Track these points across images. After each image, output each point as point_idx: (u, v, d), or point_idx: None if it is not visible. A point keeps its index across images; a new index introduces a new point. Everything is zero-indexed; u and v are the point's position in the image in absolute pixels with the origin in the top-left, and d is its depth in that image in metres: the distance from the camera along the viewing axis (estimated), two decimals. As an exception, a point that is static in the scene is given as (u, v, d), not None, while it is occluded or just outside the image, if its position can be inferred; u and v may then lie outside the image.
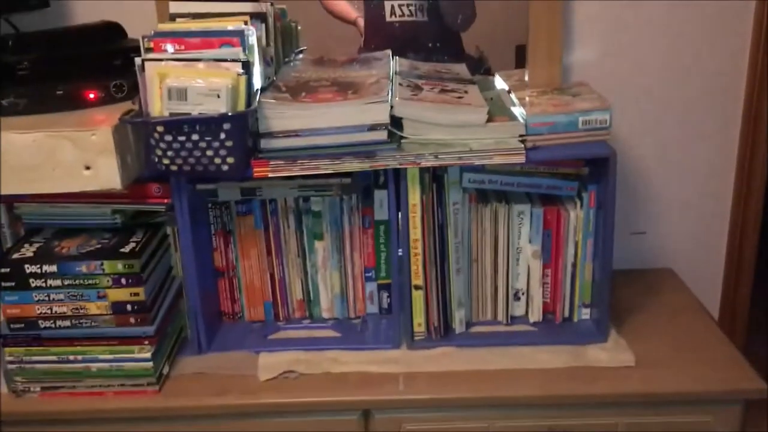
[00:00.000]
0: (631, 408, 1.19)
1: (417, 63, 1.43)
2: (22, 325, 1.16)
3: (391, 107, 1.16)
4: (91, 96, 1.21)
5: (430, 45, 1.48)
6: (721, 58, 1.47)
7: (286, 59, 1.42)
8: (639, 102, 1.50)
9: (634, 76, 1.48)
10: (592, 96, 1.27)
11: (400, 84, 1.26)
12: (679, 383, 1.18)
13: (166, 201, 1.21)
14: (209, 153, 1.10)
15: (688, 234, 1.59)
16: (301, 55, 1.47)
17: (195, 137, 1.08)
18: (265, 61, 1.24)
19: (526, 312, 1.35)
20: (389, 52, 1.44)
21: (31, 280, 1.14)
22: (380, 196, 1.31)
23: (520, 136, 1.19)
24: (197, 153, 1.10)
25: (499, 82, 1.41)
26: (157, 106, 1.08)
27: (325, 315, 1.38)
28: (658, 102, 1.50)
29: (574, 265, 1.30)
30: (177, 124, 1.07)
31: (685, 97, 1.50)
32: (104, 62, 1.25)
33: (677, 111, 1.51)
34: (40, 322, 1.16)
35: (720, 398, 1.18)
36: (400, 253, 1.26)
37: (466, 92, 1.26)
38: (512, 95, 1.31)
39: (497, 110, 1.24)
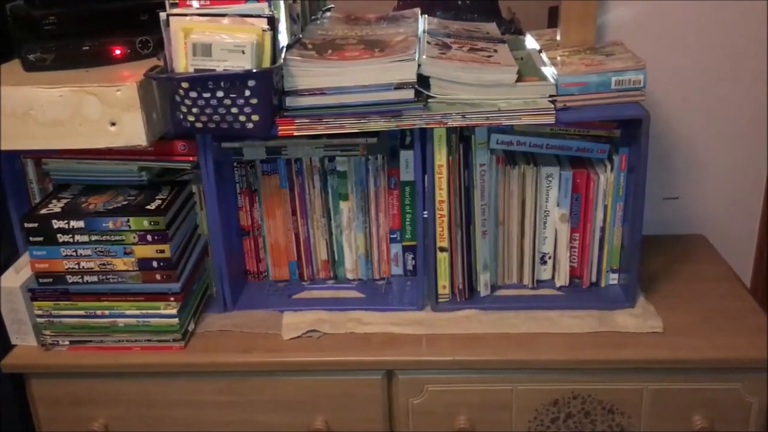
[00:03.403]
0: (657, 374, 1.17)
1: (446, 21, 1.40)
2: (51, 280, 1.18)
3: (419, 66, 1.14)
4: (117, 52, 1.20)
5: (462, 3, 1.45)
6: (763, 19, 1.42)
7: (313, 17, 1.40)
8: (675, 63, 1.45)
9: (671, 36, 1.44)
10: (627, 55, 1.23)
11: (428, 42, 1.23)
12: (707, 350, 1.16)
13: (191, 158, 1.20)
14: (234, 110, 1.09)
15: (722, 200, 1.56)
16: (328, 13, 1.44)
17: (220, 94, 1.07)
18: (291, 18, 1.22)
19: (553, 276, 1.33)
20: (418, 10, 1.41)
21: (58, 236, 1.15)
22: (406, 156, 1.29)
23: (550, 96, 1.16)
24: (222, 110, 1.09)
25: (530, 42, 1.38)
26: (182, 62, 1.07)
27: (350, 276, 1.38)
28: (696, 63, 1.46)
29: (602, 230, 1.28)
30: (201, 81, 1.06)
31: (724, 59, 1.45)
32: (131, 18, 1.24)
33: (715, 73, 1.46)
34: (67, 276, 1.17)
35: (748, 366, 1.16)
36: (425, 215, 1.25)
37: (495, 51, 1.23)
38: (543, 55, 1.28)
39: (527, 70, 1.21)
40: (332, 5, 1.47)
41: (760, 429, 1.19)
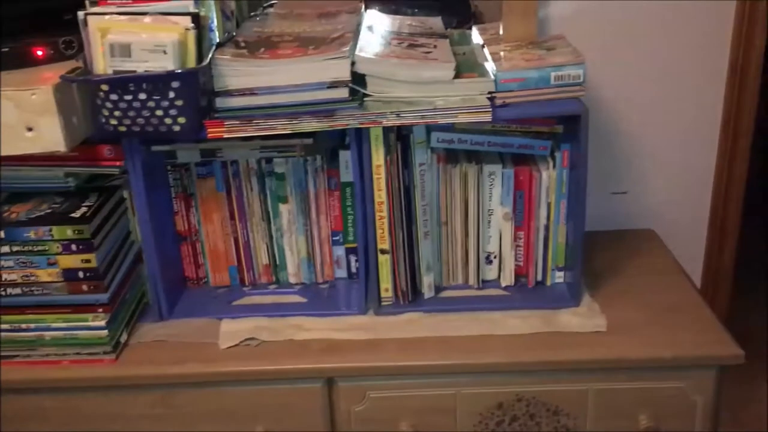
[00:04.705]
0: (601, 374, 1.15)
1: (390, 16, 1.37)
2: (-28, 293, 1.13)
3: (353, 63, 1.11)
4: (39, 53, 1.15)
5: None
6: (706, 12, 1.40)
7: (252, 13, 1.36)
8: (622, 56, 1.44)
9: (615, 29, 1.42)
10: (567, 50, 1.21)
11: (365, 39, 1.19)
12: (651, 348, 1.14)
13: (119, 163, 1.16)
14: (158, 113, 1.05)
15: (671, 194, 1.54)
16: (270, 9, 1.40)
17: (142, 96, 1.03)
18: (225, 15, 1.18)
19: (499, 276, 1.31)
20: (362, 5, 1.37)
21: (-23, 247, 1.11)
22: (346, 156, 1.25)
23: (490, 93, 1.13)
24: (146, 113, 1.04)
25: (476, 36, 1.35)
26: (101, 64, 1.03)
27: (292, 280, 1.34)
28: (641, 57, 1.44)
29: (546, 228, 1.26)
30: (121, 83, 1.02)
31: (669, 53, 1.44)
32: (54, 17, 1.19)
33: (660, 66, 1.45)
34: (-11, 289, 1.13)
35: (693, 363, 1.14)
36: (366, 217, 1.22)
37: (435, 47, 1.20)
38: (485, 50, 1.25)
39: (468, 66, 1.18)
40: (275, 1, 1.42)
41: (705, 427, 1.18)
